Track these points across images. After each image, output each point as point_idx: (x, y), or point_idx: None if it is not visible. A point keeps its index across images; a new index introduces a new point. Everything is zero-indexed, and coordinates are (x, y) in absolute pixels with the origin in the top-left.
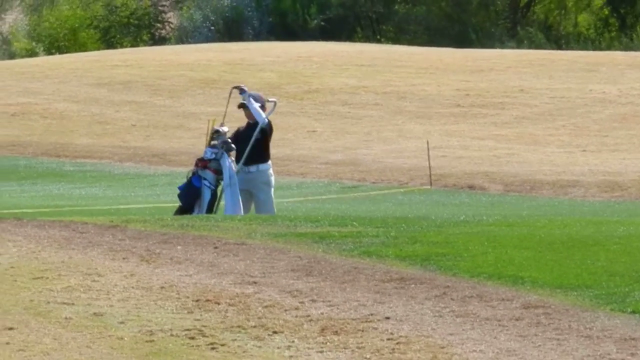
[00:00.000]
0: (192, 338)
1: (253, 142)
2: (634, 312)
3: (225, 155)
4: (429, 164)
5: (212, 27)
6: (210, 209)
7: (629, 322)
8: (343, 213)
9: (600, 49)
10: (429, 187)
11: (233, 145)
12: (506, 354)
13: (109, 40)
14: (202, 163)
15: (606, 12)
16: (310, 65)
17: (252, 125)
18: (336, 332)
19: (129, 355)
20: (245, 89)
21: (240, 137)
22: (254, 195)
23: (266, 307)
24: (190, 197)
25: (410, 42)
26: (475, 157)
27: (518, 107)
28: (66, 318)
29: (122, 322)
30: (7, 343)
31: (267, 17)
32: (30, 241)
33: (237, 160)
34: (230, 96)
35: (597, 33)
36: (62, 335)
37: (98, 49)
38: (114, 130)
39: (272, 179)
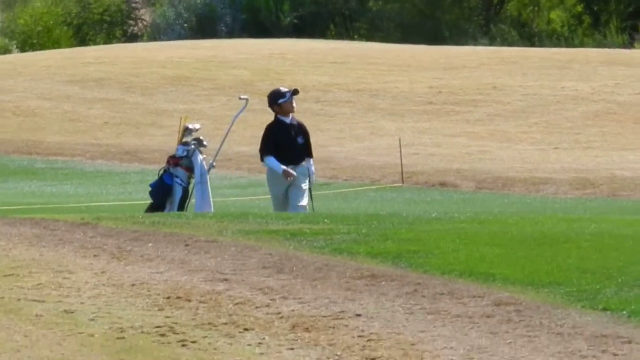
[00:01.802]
0: (163, 335)
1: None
2: (605, 309)
3: (197, 152)
4: (401, 161)
5: (185, 25)
6: (181, 207)
7: (600, 319)
8: (315, 210)
9: (574, 46)
10: (401, 184)
11: (206, 143)
12: (477, 351)
13: (82, 37)
14: (173, 161)
15: (579, 9)
16: (284, 63)
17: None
18: (307, 329)
19: (99, 352)
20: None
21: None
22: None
23: (237, 304)
24: (162, 195)
25: (384, 40)
26: (448, 155)
27: (491, 104)
28: (37, 315)
29: (92, 320)
30: None
31: (240, 14)
32: (0, 239)
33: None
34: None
35: (570, 30)
36: (33, 333)
37: (71, 46)
38: (86, 128)
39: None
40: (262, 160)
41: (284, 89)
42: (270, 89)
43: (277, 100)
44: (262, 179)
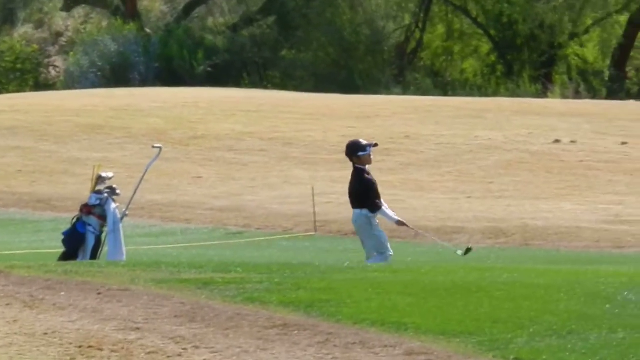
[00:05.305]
0: None
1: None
2: (516, 358)
3: (110, 200)
4: (314, 210)
5: (99, 73)
6: (94, 255)
7: None
8: (227, 259)
9: (487, 96)
10: (313, 233)
11: (118, 191)
12: None
13: None
14: (86, 209)
15: (493, 59)
16: (197, 111)
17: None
18: None
19: None
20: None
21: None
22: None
23: (149, 353)
24: (75, 243)
25: (297, 88)
26: None
27: (403, 153)
28: None
29: None
30: None
31: (154, 62)
32: None
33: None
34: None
35: (483, 79)
36: None
37: None
38: None
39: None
40: (375, 212)
41: (363, 142)
42: (183, 137)
43: (357, 152)
44: (175, 227)
